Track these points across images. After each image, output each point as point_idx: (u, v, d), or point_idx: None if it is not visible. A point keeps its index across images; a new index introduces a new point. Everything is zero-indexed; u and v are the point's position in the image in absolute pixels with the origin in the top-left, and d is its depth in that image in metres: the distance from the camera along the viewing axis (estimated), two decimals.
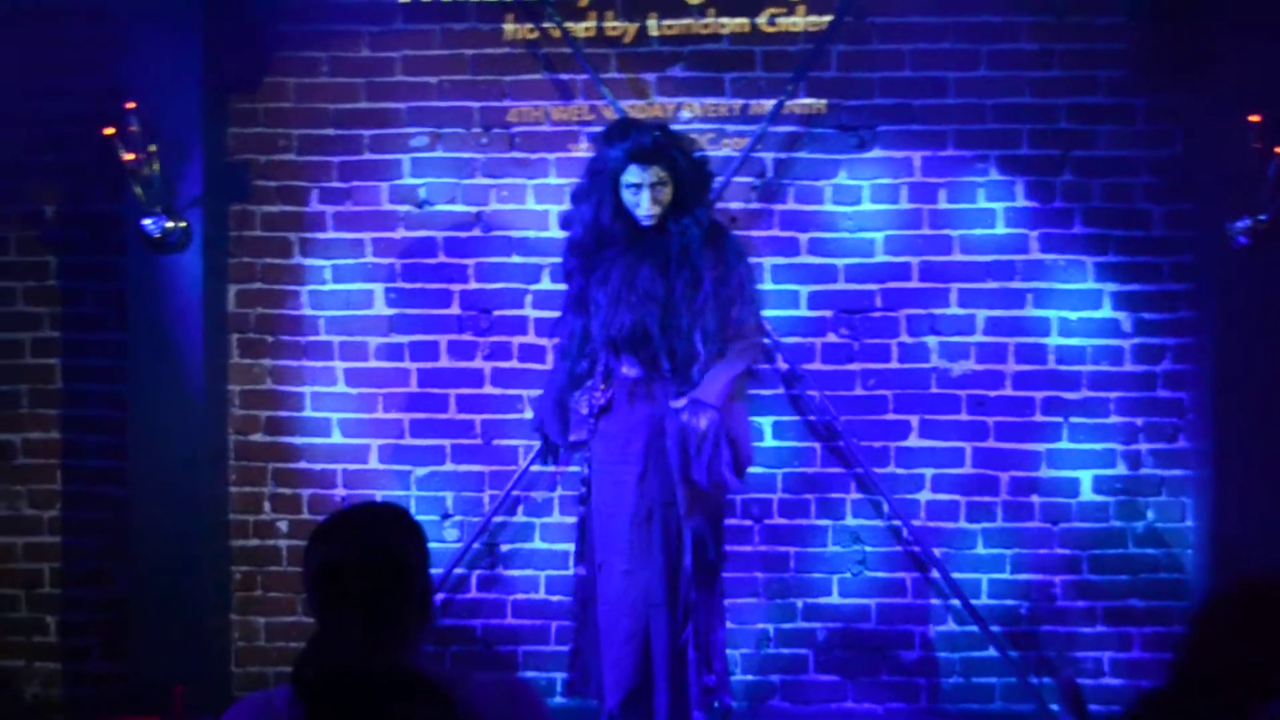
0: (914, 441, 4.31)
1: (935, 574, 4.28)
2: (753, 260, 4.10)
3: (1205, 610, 1.96)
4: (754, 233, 4.31)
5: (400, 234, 4.36)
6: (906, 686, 4.18)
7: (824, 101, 4.31)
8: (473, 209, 4.35)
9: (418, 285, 4.34)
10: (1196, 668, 1.89)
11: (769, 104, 4.25)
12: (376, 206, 4.37)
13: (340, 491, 4.37)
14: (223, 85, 4.31)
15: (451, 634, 4.33)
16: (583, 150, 4.26)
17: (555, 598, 4.25)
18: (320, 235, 4.39)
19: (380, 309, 4.36)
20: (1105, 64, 4.24)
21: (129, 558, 4.26)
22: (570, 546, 4.02)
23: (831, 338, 4.33)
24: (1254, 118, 3.69)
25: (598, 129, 3.98)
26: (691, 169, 3.42)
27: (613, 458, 3.43)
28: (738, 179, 4.28)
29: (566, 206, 3.94)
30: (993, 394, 4.33)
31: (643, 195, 3.36)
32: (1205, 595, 2.18)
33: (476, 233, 4.32)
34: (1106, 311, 4.29)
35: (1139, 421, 4.29)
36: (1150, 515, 4.31)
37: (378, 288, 4.34)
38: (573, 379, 3.54)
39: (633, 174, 3.36)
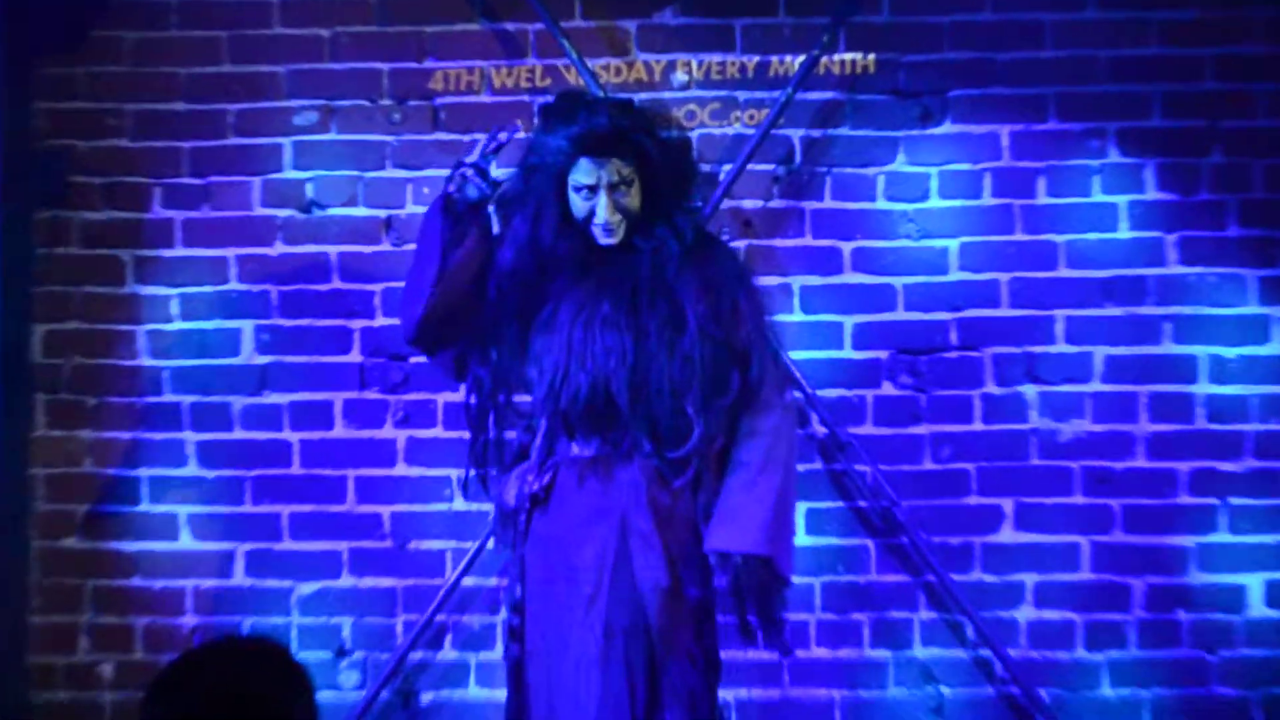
0: (1008, 536, 3.91)
1: None
2: (777, 281, 3.89)
3: None
4: (777, 242, 3.95)
5: (279, 249, 3.99)
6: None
7: (873, 56, 3.96)
8: (381, 213, 3.98)
9: (303, 322, 3.95)
10: None
11: (796, 61, 3.90)
12: (245, 211, 4.00)
13: (190, 620, 3.98)
14: (26, 43, 4.00)
15: None
16: (531, 128, 3.95)
17: None
18: (165, 253, 3.99)
19: (250, 357, 3.99)
20: None
21: None
22: None
23: (889, 389, 3.98)
24: None
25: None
26: (667, 160, 3.09)
27: (553, 572, 3.10)
28: (754, 167, 3.90)
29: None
30: (1119, 466, 3.93)
31: (599, 202, 3.00)
32: None
33: (387, 246, 3.96)
34: (1277, 346, 3.94)
35: None
36: None
37: (246, 326, 3.96)
38: (484, 454, 3.25)
39: (583, 172, 3.00)
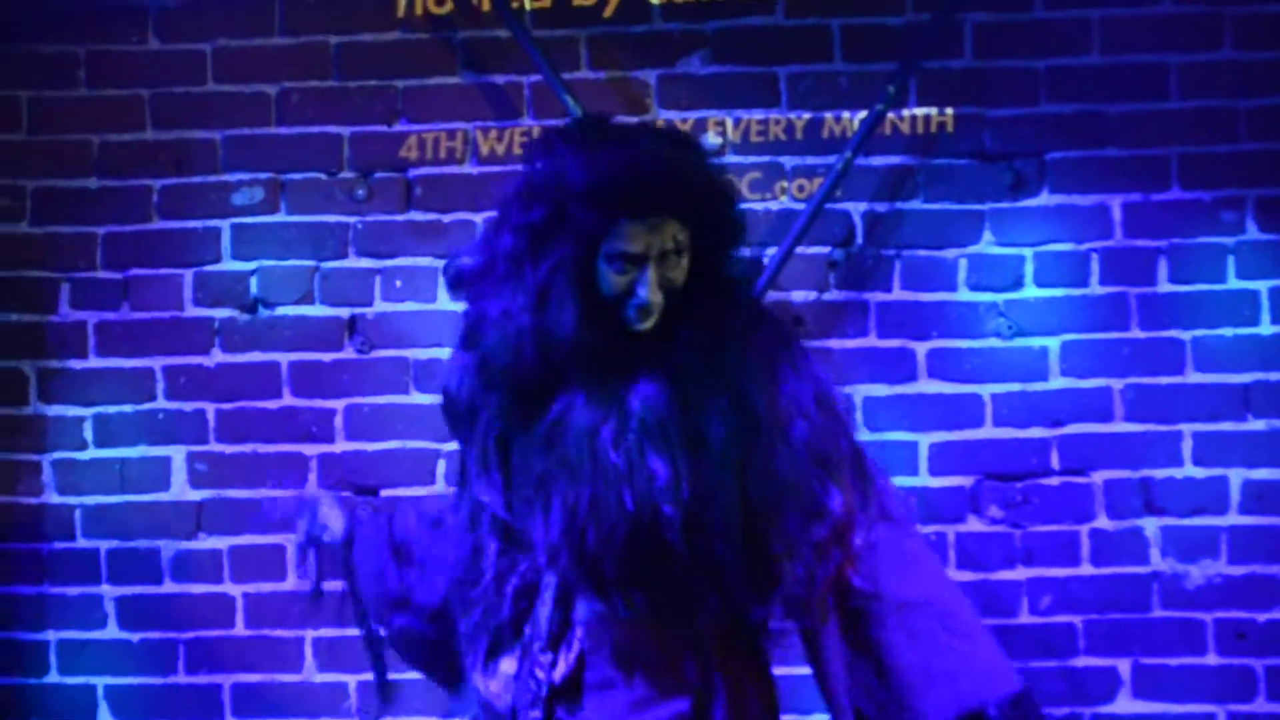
0: (1125, 705, 3.60)
1: None
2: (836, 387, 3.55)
3: None
4: (834, 342, 3.69)
5: (216, 359, 3.76)
6: None
7: (951, 111, 3.71)
8: (344, 312, 3.74)
9: (248, 448, 3.69)
10: None
11: (856, 119, 3.65)
12: (175, 312, 3.75)
13: None
14: None
15: None
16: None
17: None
18: (76, 364, 3.75)
19: (182, 492, 3.74)
20: None
21: None
22: None
23: (975, 524, 3.69)
24: None
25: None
26: (726, 220, 2.56)
27: None
28: (805, 249, 3.66)
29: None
30: (1262, 618, 3.60)
31: (645, 277, 2.43)
32: None
33: (350, 353, 3.74)
34: None
35: None
36: None
37: (177, 454, 3.70)
38: (467, 599, 2.70)
39: (627, 238, 2.42)
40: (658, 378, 2.51)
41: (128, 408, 3.71)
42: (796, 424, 2.55)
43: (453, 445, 3.46)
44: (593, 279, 2.45)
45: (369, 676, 3.38)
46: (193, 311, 3.72)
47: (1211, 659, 3.56)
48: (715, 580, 2.49)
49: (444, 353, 3.77)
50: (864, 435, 3.60)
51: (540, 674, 2.59)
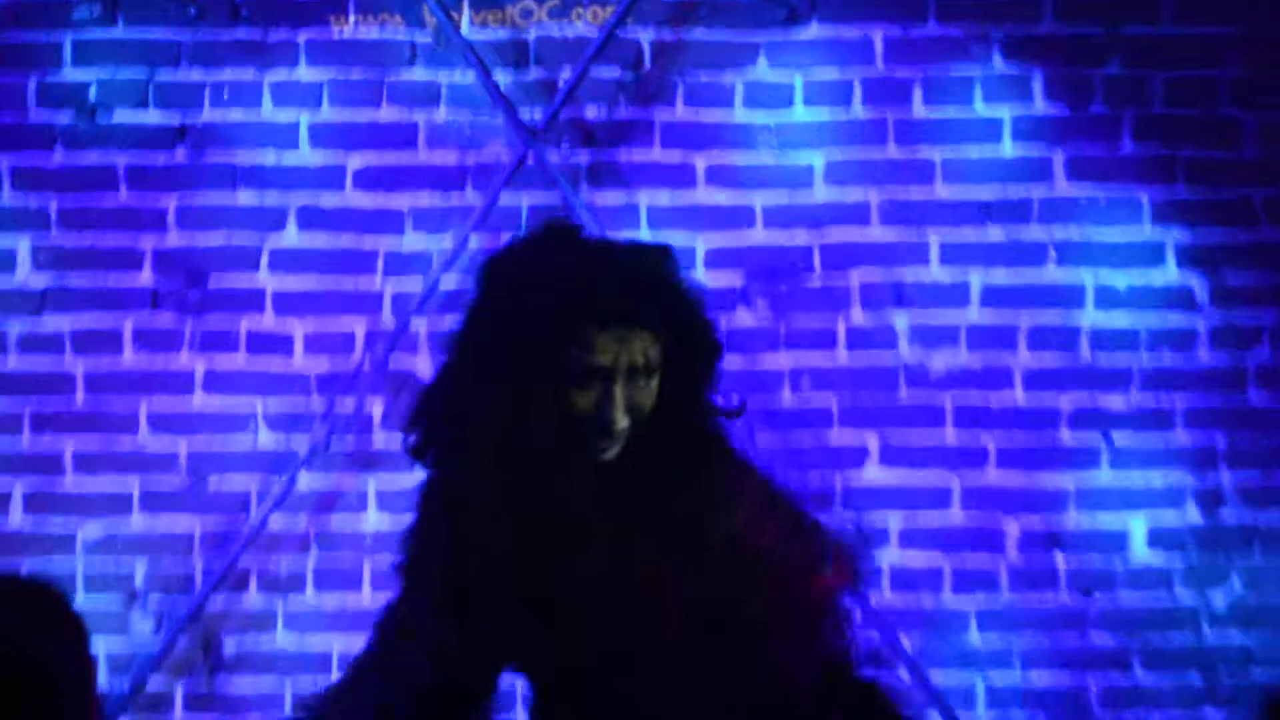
0: (873, 474, 3.98)
1: (906, 675, 3.92)
2: (622, 199, 3.96)
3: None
4: (623, 154, 3.97)
5: (59, 159, 3.98)
6: None
7: None
8: (174, 117, 3.97)
9: (87, 239, 3.95)
10: None
11: None
12: (20, 117, 3.97)
13: None
14: None
15: None
16: (348, 26, 4.03)
17: None
18: None
19: (26, 277, 3.98)
20: None
21: None
22: (331, 640, 3.87)
23: (745, 317, 3.98)
24: None
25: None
26: (700, 341, 2.30)
27: None
28: (598, 70, 3.93)
29: (324, 113, 3.90)
30: (994, 401, 3.99)
31: (613, 393, 2.18)
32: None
33: (181, 156, 3.97)
34: (1171, 273, 4.00)
35: (1219, 440, 3.99)
36: (1236, 584, 3.99)
37: (22, 244, 3.95)
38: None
39: (594, 348, 2.16)
40: (625, 522, 2.28)
41: None
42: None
43: (277, 238, 3.86)
44: (558, 399, 2.20)
45: (199, 442, 3.87)
46: (37, 116, 3.94)
47: (949, 435, 3.94)
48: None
49: (267, 156, 3.97)
50: (647, 235, 3.87)
51: None
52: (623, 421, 2.13)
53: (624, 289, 2.13)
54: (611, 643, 2.19)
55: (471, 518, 2.21)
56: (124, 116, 3.95)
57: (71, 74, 3.94)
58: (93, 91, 3.94)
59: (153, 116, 3.96)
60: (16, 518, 3.95)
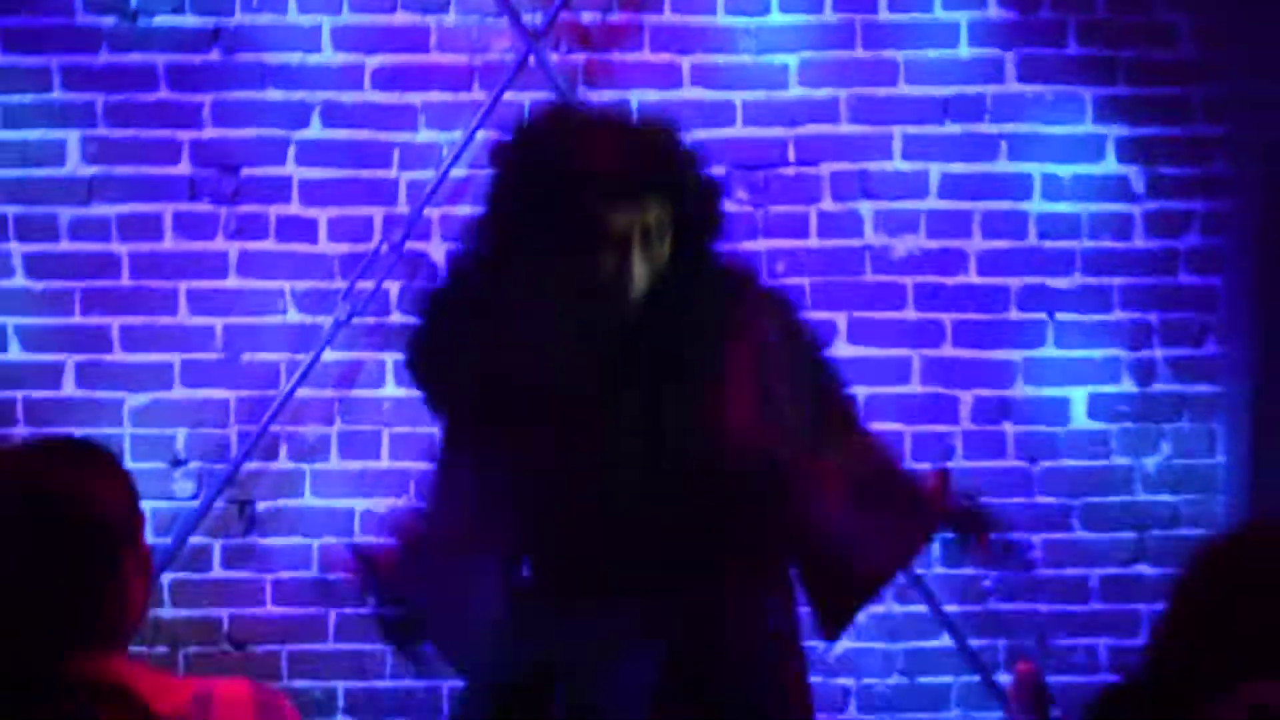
0: (841, 349, 3.99)
1: None
2: (615, 96, 3.94)
3: (1194, 568, 1.84)
4: (615, 55, 4.02)
5: (104, 58, 4.01)
6: (824, 689, 3.91)
7: None
8: (209, 21, 4.00)
9: (130, 133, 4.00)
10: (1178, 648, 1.80)
11: None
12: (68, 20, 3.99)
13: (21, 430, 4.01)
14: None
15: (186, 629, 4.03)
16: None
17: (334, 576, 3.86)
18: None
19: (76, 167, 4.01)
20: None
21: None
22: (353, 503, 3.98)
23: (727, 204, 3.70)
24: None
25: None
26: (705, 203, 2.41)
27: None
28: None
29: (344, 18, 3.96)
30: (950, 282, 4.08)
31: (632, 258, 2.24)
32: (1197, 548, 1.93)
33: (215, 56, 4.01)
34: (1111, 165, 4.07)
35: (1153, 318, 4.08)
36: (1166, 449, 4.10)
37: (72, 136, 3.99)
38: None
39: (610, 221, 2.23)
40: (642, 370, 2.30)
41: (29, 96, 3.99)
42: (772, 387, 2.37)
43: (303, 133, 3.93)
44: (581, 266, 2.24)
45: (233, 320, 3.95)
46: (83, 19, 3.98)
47: (910, 314, 4.05)
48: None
49: (294, 57, 3.99)
50: None
51: None
52: (641, 274, 2.21)
53: (631, 166, 2.20)
54: (633, 486, 2.24)
55: (506, 371, 2.24)
56: (163, 20, 4.00)
57: None
58: None
59: (189, 20, 4.00)
60: (69, 388, 4.02)
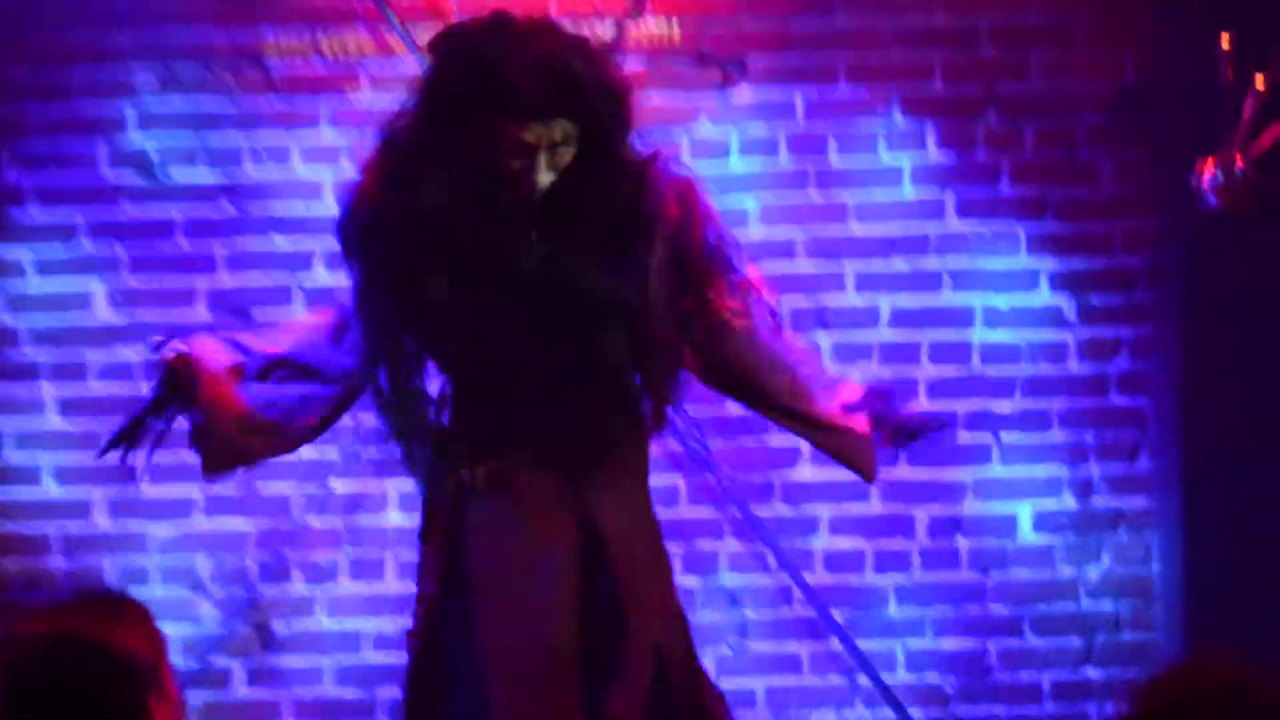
0: (805, 472, 4.16)
1: (837, 644, 4.17)
2: None
3: (1139, 705, 1.83)
4: None
5: (126, 212, 4.18)
6: None
7: (676, 26, 4.17)
8: (221, 176, 4.18)
9: (152, 281, 4.16)
10: None
11: (606, 29, 4.10)
12: (93, 177, 4.18)
13: (57, 561, 4.18)
14: None
15: None
16: (365, 94, 4.13)
17: (349, 692, 4.16)
18: (17, 214, 4.18)
19: (103, 314, 4.17)
20: None
21: None
22: (365, 624, 4.08)
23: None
24: (1224, 38, 3.47)
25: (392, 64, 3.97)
26: (613, 113, 2.61)
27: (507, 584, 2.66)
28: None
29: (344, 171, 3.72)
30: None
31: (537, 164, 2.53)
32: (1142, 682, 1.98)
33: (227, 208, 4.18)
34: (1045, 296, 4.21)
35: (1089, 438, 4.19)
36: (1106, 559, 4.20)
37: (98, 285, 4.15)
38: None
39: (521, 131, 2.50)
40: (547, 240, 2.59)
41: (59, 248, 4.15)
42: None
43: (307, 277, 4.06)
44: (492, 164, 2.50)
45: None
46: (108, 174, 4.15)
47: None
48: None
49: (297, 207, 4.09)
50: None
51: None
52: (545, 180, 2.48)
53: (546, 88, 2.42)
54: (533, 333, 2.53)
55: (428, 229, 2.51)
56: (179, 175, 4.15)
57: (135, 139, 4.15)
58: (153, 154, 4.15)
59: (203, 175, 4.14)
60: (100, 520, 4.13)
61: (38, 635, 1.80)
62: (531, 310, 2.55)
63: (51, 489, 4.20)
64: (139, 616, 1.89)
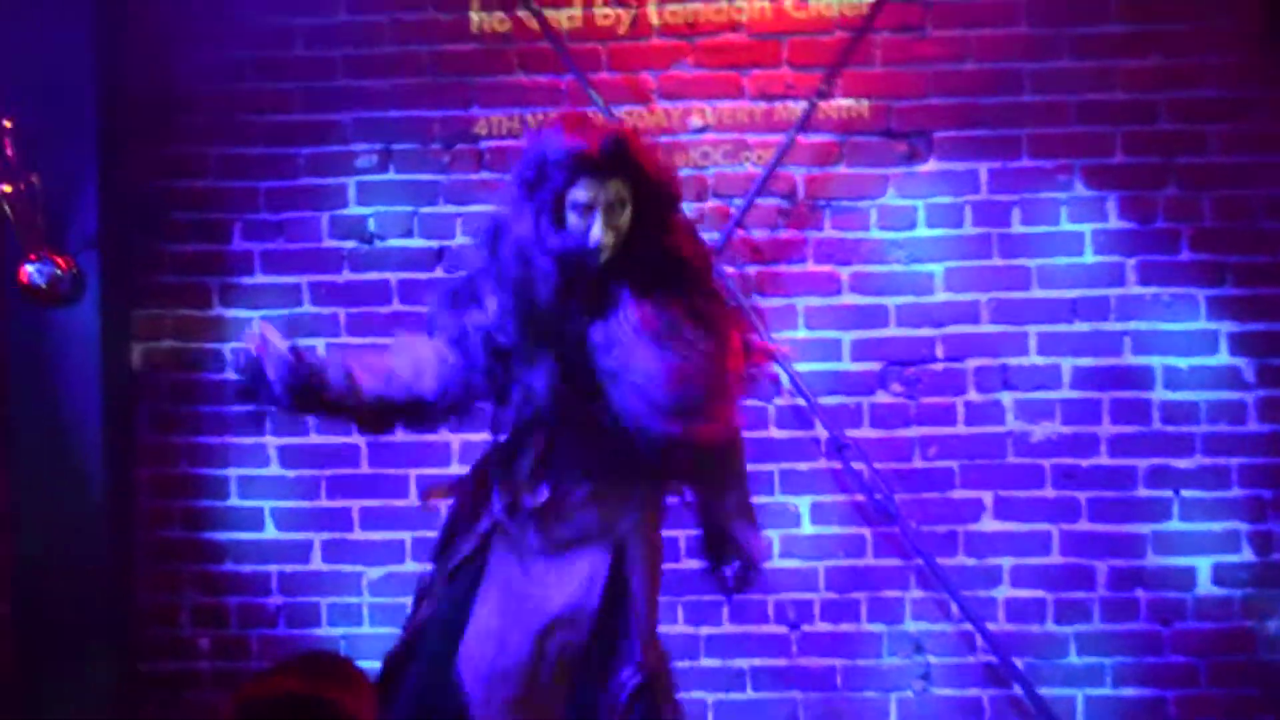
0: (988, 524, 4.32)
1: (1018, 690, 4.25)
2: (783, 303, 4.32)
3: None
4: (783, 267, 4.37)
5: (345, 277, 4.43)
6: None
7: (866, 103, 4.34)
8: (434, 244, 4.41)
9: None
10: None
11: (798, 107, 4.28)
12: (315, 243, 4.44)
13: (276, 599, 4.40)
14: (123, 96, 4.34)
15: None
16: None
17: None
18: (246, 280, 4.45)
19: None
20: (1215, 48, 4.29)
21: (8, 688, 4.27)
22: None
23: (882, 397, 4.35)
24: None
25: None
26: (660, 184, 3.08)
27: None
28: (762, 200, 4.32)
29: None
30: (1085, 463, 4.33)
31: (596, 218, 2.98)
32: None
33: (439, 273, 4.33)
34: (1224, 357, 4.31)
35: (1268, 494, 4.28)
36: None
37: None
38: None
39: (582, 189, 2.97)
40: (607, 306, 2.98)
41: (283, 310, 4.36)
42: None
43: None
44: (564, 220, 2.93)
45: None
46: (329, 243, 4.39)
47: (1049, 492, 4.28)
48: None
49: None
50: (804, 333, 4.29)
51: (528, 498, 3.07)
52: (602, 237, 2.92)
53: (601, 156, 2.91)
54: (579, 378, 2.93)
55: (517, 277, 2.96)
56: (394, 242, 4.38)
57: (355, 209, 4.41)
58: (371, 223, 4.39)
59: (417, 242, 4.37)
60: (316, 562, 4.37)
61: (270, 693, 1.90)
62: (573, 367, 2.95)
63: (271, 532, 4.42)
64: (359, 680, 1.99)
